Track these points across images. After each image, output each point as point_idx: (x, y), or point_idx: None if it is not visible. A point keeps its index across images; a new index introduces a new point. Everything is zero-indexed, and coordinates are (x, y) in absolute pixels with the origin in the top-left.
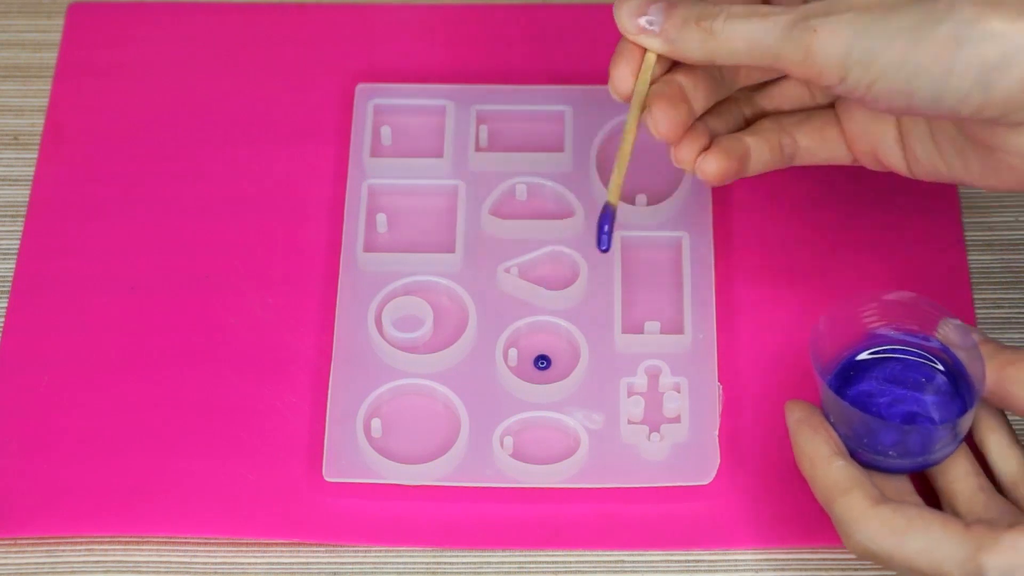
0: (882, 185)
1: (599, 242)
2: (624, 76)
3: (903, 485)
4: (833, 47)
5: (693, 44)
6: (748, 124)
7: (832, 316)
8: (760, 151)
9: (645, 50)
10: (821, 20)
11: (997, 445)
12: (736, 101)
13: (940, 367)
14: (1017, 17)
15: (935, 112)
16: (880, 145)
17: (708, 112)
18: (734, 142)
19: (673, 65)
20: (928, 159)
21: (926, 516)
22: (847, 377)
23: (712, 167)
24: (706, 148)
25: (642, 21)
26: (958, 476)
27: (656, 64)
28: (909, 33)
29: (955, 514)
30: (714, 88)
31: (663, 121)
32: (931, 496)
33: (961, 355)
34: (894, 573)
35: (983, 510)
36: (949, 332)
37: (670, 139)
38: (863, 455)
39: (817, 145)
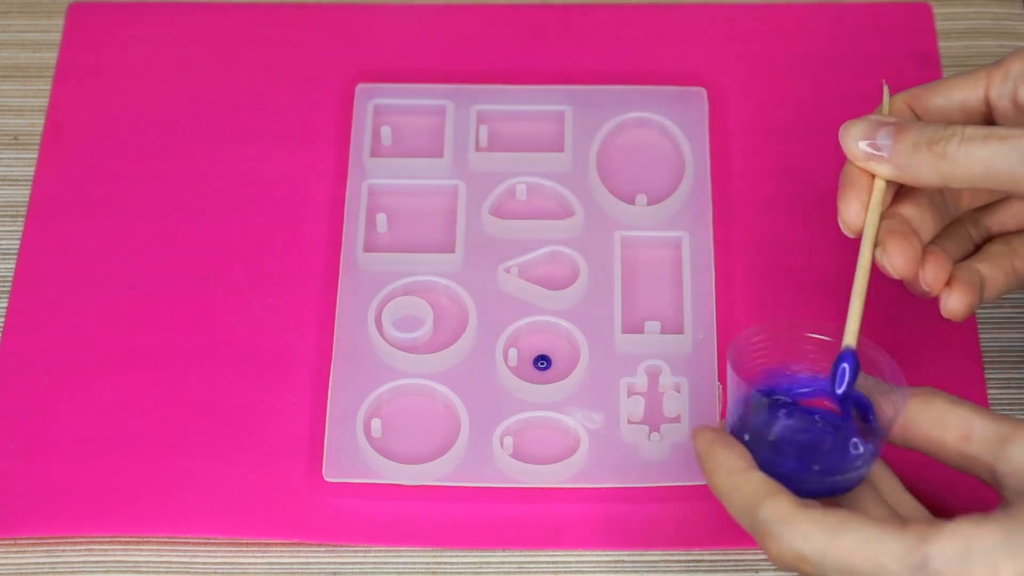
0: None
1: (836, 383)
2: (855, 209)
3: (814, 503)
4: None
5: (926, 169)
6: (976, 246)
7: (744, 342)
8: (995, 278)
9: (873, 177)
10: None
11: (891, 491)
12: (961, 222)
13: (853, 410)
14: None
15: None
16: None
17: (937, 237)
18: (971, 273)
19: (896, 194)
20: None
21: (859, 515)
22: (770, 411)
23: (957, 303)
24: (949, 280)
25: (868, 146)
26: (870, 505)
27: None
28: None
29: None
30: (939, 215)
31: (898, 258)
32: None
33: (871, 395)
34: None
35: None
36: (866, 382)
37: (906, 276)
38: (778, 475)
39: None
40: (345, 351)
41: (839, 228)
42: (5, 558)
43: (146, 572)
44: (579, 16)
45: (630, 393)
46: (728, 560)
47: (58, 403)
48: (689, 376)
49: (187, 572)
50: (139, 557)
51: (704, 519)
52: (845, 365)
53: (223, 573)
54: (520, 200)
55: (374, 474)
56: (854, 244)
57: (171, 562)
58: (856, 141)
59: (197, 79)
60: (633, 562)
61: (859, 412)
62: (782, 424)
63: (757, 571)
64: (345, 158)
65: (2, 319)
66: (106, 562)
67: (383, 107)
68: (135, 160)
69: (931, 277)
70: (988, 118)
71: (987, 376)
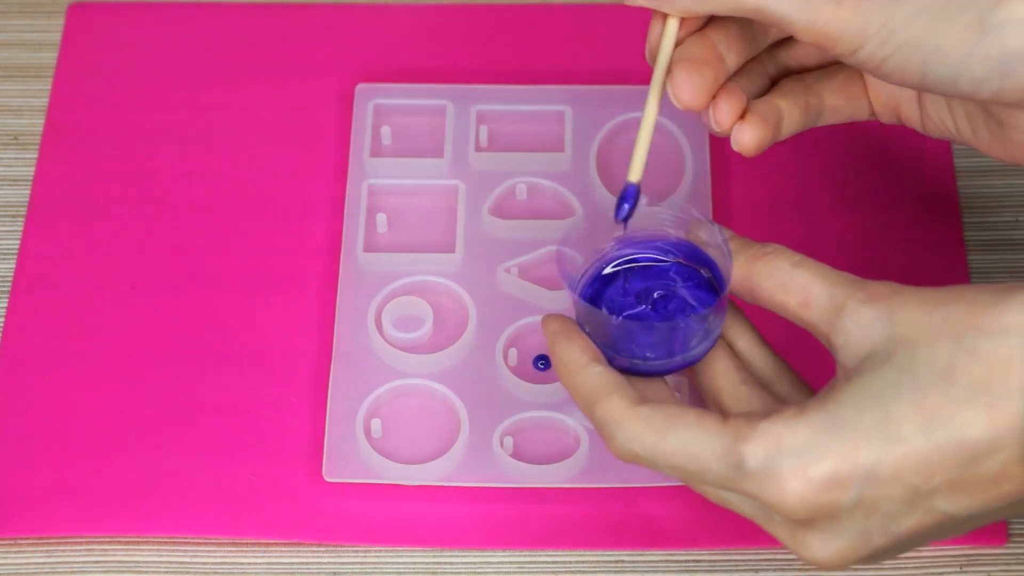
0: (883, 185)
1: (617, 212)
2: (654, 35)
3: (663, 389)
4: (850, 18)
5: (701, 2)
6: (773, 83)
7: (574, 229)
8: (791, 115)
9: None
10: None
11: (747, 344)
12: (760, 60)
13: (691, 268)
14: None
15: (949, 93)
16: (901, 101)
17: (735, 72)
18: (768, 107)
19: (708, 22)
20: (940, 120)
21: (685, 412)
22: (600, 288)
23: (749, 137)
24: (743, 114)
25: None
26: (719, 372)
27: (684, 26)
28: (932, 14)
29: (721, 412)
30: (747, 45)
31: (685, 88)
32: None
33: (712, 253)
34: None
35: (747, 404)
36: (699, 231)
37: (694, 107)
38: (621, 362)
39: (843, 103)
40: (345, 351)
41: (839, 228)
42: (5, 558)
43: (146, 572)
44: (579, 16)
45: None
46: (728, 560)
47: (58, 403)
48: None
49: (187, 572)
50: (139, 557)
51: (704, 519)
52: (625, 203)
53: (223, 573)
54: (520, 200)
55: (374, 474)
56: (854, 244)
57: (171, 562)
58: None
59: (197, 79)
60: (633, 562)
61: (703, 268)
62: (609, 318)
63: (757, 571)
64: (345, 158)
65: (2, 319)
66: (106, 562)
67: (383, 107)
68: (135, 160)
69: (722, 112)
70: None
71: None
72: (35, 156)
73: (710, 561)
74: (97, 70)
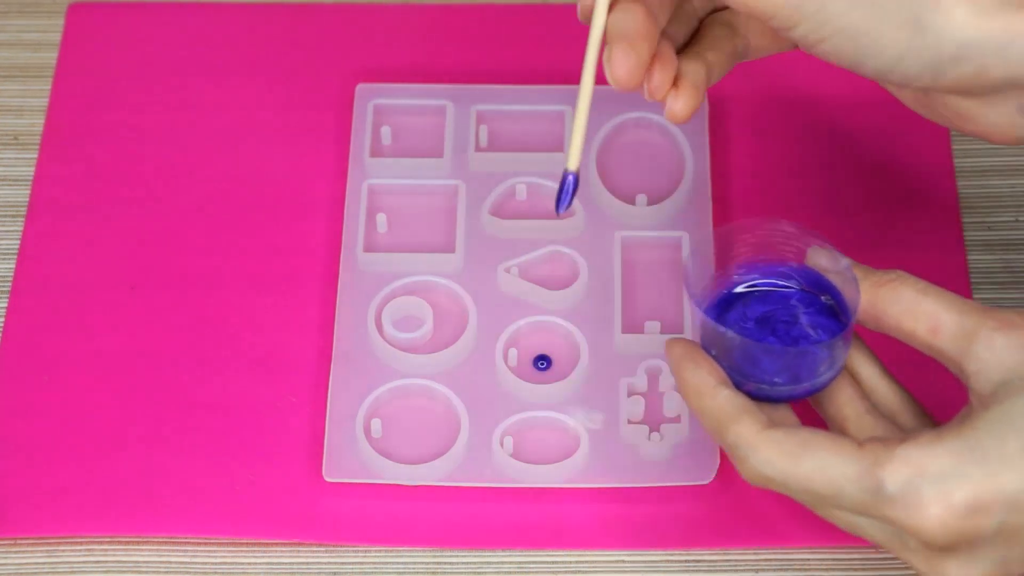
0: (882, 185)
1: (557, 203)
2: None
3: (788, 415)
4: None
5: None
6: (700, 20)
7: (701, 249)
8: (719, 64)
9: None
10: None
11: (871, 377)
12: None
13: (815, 294)
14: (980, 11)
15: (880, 81)
16: None
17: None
18: (697, 69)
19: None
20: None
21: (819, 436)
22: (724, 311)
23: (681, 106)
24: (675, 80)
25: None
26: (844, 401)
27: None
28: (868, 7)
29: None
30: None
31: (622, 69)
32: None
33: (834, 279)
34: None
35: (872, 432)
36: (820, 258)
37: (629, 88)
38: (747, 386)
39: (768, 43)
40: (345, 351)
41: (839, 229)
42: (5, 558)
43: (146, 572)
44: None
45: (630, 393)
46: (728, 560)
47: (58, 403)
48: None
49: (187, 572)
50: (139, 557)
51: (704, 519)
52: (564, 194)
53: (223, 573)
54: (520, 200)
55: (374, 474)
56: (854, 244)
57: (171, 562)
58: None
59: (197, 79)
60: (633, 562)
61: (824, 295)
62: (738, 341)
63: (757, 571)
64: (345, 158)
65: (2, 319)
66: (106, 562)
67: (383, 107)
68: (135, 160)
69: (656, 83)
70: None
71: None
72: (35, 156)
73: (710, 561)
74: (97, 70)
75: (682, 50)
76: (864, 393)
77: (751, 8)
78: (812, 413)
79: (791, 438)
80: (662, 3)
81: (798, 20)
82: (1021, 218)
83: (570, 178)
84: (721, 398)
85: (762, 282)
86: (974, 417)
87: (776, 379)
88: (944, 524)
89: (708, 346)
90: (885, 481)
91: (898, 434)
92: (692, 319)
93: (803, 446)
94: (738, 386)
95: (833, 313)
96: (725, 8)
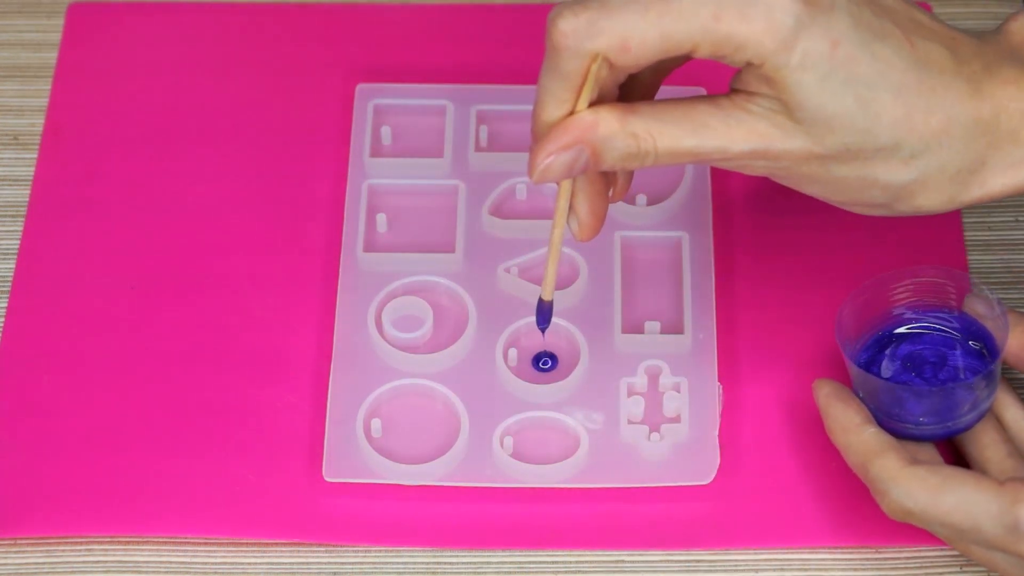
0: None
1: (538, 322)
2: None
3: (932, 453)
4: (773, 176)
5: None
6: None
7: (857, 295)
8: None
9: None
10: (760, 163)
11: (1015, 419)
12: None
13: (965, 339)
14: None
15: None
16: None
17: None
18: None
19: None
20: None
21: (961, 474)
22: (874, 355)
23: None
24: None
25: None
26: (988, 443)
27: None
28: (843, 187)
29: None
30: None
31: (588, 232)
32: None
33: (988, 324)
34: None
35: (1014, 475)
36: (977, 305)
37: (590, 238)
38: (893, 426)
39: None
40: (345, 351)
41: (839, 229)
42: (5, 558)
43: (146, 572)
44: None
45: (630, 393)
46: (728, 560)
47: (58, 403)
48: (689, 376)
49: (187, 572)
50: (139, 557)
51: (704, 519)
52: (542, 319)
53: (223, 573)
54: (520, 200)
55: (374, 474)
56: (854, 244)
57: (171, 562)
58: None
59: (197, 79)
60: (633, 562)
61: (974, 340)
62: (886, 385)
63: (757, 571)
64: (345, 158)
65: (2, 319)
66: (106, 562)
67: (383, 107)
68: (135, 160)
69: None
70: None
71: None
72: (35, 156)
73: (710, 561)
74: (97, 70)
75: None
76: (1007, 437)
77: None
78: (956, 454)
79: (933, 475)
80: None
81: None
82: (1021, 218)
83: (546, 305)
84: (867, 434)
85: (914, 325)
86: None
87: (921, 419)
88: None
89: (856, 388)
90: (1022, 518)
91: None
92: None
93: (944, 482)
94: (883, 426)
95: (983, 358)
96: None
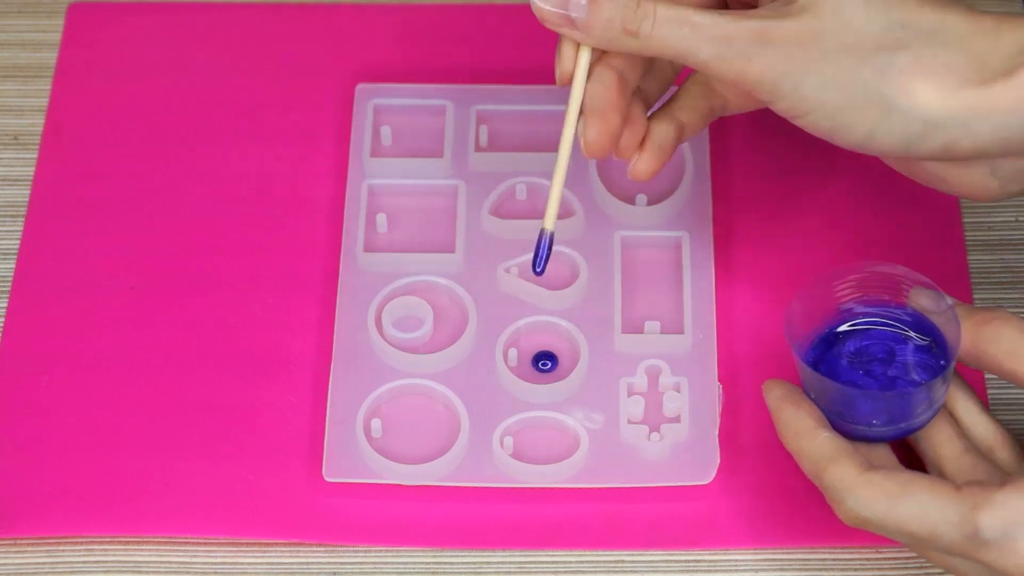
0: (882, 186)
1: (534, 263)
2: (568, 63)
3: (887, 455)
4: (766, 78)
5: (621, 45)
6: (674, 75)
7: (804, 294)
8: (693, 122)
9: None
10: (757, 50)
11: (968, 413)
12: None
13: (914, 334)
14: (943, 90)
15: (859, 151)
16: None
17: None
18: (667, 130)
19: None
20: None
21: (917, 479)
22: (823, 353)
23: (642, 167)
24: (642, 140)
25: (560, 14)
26: (942, 440)
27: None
28: (839, 89)
29: (943, 478)
30: (648, 61)
31: (596, 143)
32: (916, 466)
33: (936, 320)
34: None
35: (970, 472)
36: (922, 299)
37: (601, 157)
38: (845, 428)
39: (746, 100)
40: (345, 351)
41: (839, 229)
42: (5, 558)
43: (146, 572)
44: None
45: (630, 393)
46: (728, 560)
47: (58, 403)
48: (689, 376)
49: (187, 572)
50: (139, 557)
51: (704, 519)
52: (541, 251)
53: (223, 573)
54: (520, 200)
55: (374, 474)
56: (854, 244)
57: (171, 562)
58: (547, 4)
59: (197, 79)
60: (633, 562)
61: (923, 335)
62: (838, 385)
63: (757, 571)
64: (345, 158)
65: (2, 319)
66: (106, 562)
67: (383, 107)
68: (135, 160)
69: (623, 146)
70: None
71: (987, 376)
72: (35, 156)
73: (710, 561)
74: (97, 70)
75: (658, 109)
76: (962, 432)
77: (733, 85)
78: (911, 452)
79: (889, 481)
80: (633, 65)
81: (778, 98)
82: (1021, 218)
83: (546, 238)
84: (820, 440)
85: (860, 321)
86: None
87: (874, 421)
88: None
89: (807, 390)
90: (982, 525)
91: (997, 474)
92: (798, 362)
93: (901, 489)
94: (836, 428)
95: (932, 354)
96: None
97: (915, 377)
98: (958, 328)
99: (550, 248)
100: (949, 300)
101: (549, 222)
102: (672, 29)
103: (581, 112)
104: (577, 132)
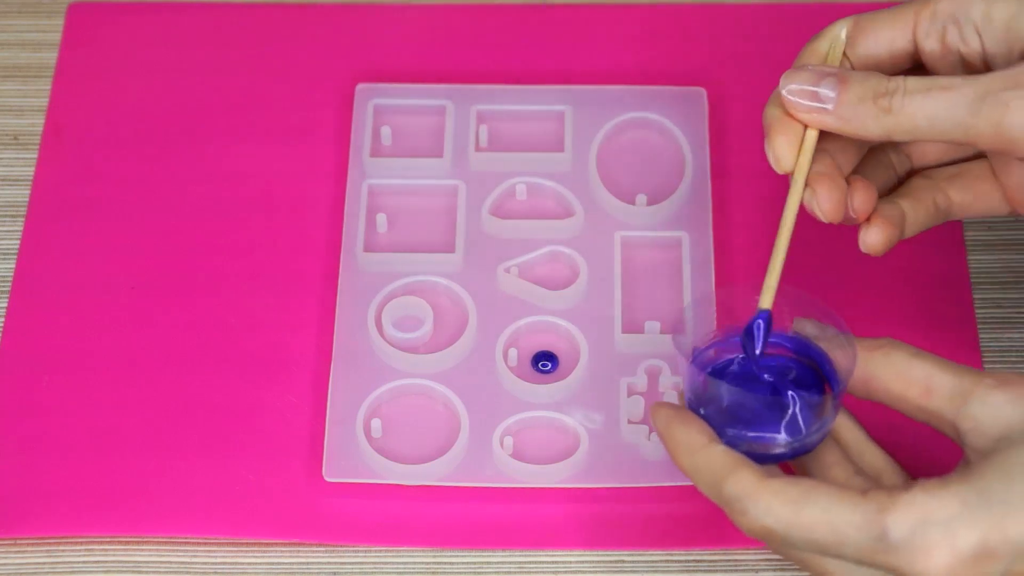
0: None
1: (744, 346)
2: (786, 152)
3: (778, 472)
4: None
5: (871, 123)
6: (900, 179)
7: (699, 307)
8: (916, 213)
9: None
10: (1012, 94)
11: (856, 441)
12: (883, 148)
13: (797, 358)
14: None
15: None
16: None
17: (863, 165)
18: (892, 208)
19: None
20: None
21: (821, 485)
22: (712, 367)
23: (876, 237)
24: (874, 204)
25: (808, 101)
26: (832, 463)
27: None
28: None
29: None
30: (858, 148)
31: (829, 203)
32: None
33: (825, 346)
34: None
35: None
36: (806, 327)
37: (835, 220)
38: (738, 446)
39: (972, 200)
40: (345, 351)
41: (838, 229)
42: (5, 558)
43: (146, 572)
44: (579, 16)
45: (630, 393)
46: (728, 560)
47: (58, 403)
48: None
49: (187, 572)
50: (139, 557)
51: (704, 519)
52: (757, 333)
53: (223, 573)
54: (520, 200)
55: (374, 474)
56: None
57: (171, 562)
58: (799, 91)
59: (197, 79)
60: (633, 562)
61: (815, 364)
62: (730, 397)
63: (757, 571)
64: (345, 158)
65: (2, 319)
66: (106, 562)
67: (383, 107)
68: (135, 160)
69: (859, 203)
70: (915, 58)
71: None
72: (35, 156)
73: (710, 561)
74: (97, 70)
75: (882, 199)
76: (848, 457)
77: (992, 143)
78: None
79: (792, 487)
80: (846, 154)
81: None
82: (1021, 218)
83: (761, 319)
84: (717, 452)
85: (751, 348)
86: (976, 467)
87: (766, 433)
88: (950, 570)
89: (697, 406)
90: (890, 527)
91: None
92: (684, 381)
93: (805, 494)
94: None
95: (819, 379)
96: (931, 169)
97: (805, 394)
98: (851, 352)
99: (768, 329)
100: (834, 329)
101: (766, 300)
102: (924, 95)
103: (807, 184)
104: (805, 199)
